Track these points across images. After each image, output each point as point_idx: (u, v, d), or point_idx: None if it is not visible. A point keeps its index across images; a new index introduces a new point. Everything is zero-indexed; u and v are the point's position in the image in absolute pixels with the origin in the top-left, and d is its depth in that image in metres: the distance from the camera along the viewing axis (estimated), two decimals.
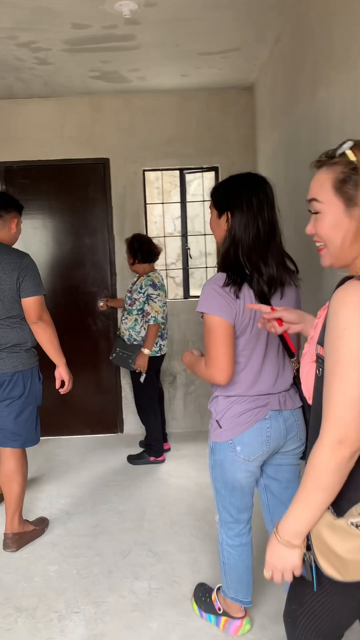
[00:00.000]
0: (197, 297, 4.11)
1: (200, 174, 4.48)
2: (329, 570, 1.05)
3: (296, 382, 1.85)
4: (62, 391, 2.81)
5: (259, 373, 1.79)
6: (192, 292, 4.49)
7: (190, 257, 4.40)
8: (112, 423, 4.42)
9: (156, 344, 3.66)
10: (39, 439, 2.82)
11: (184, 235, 4.43)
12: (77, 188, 4.24)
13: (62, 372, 2.77)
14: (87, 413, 4.40)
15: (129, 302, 3.70)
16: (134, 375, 3.74)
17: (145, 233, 4.28)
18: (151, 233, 4.59)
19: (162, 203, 4.48)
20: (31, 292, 2.61)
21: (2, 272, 2.57)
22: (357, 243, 1.09)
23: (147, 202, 4.37)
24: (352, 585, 1.07)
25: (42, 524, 2.93)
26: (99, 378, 4.38)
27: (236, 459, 1.80)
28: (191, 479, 3.52)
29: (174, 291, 5.72)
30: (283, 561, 1.12)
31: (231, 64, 3.54)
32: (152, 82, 3.89)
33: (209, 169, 4.31)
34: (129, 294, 3.72)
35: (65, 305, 4.29)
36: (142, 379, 3.63)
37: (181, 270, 4.56)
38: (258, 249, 1.72)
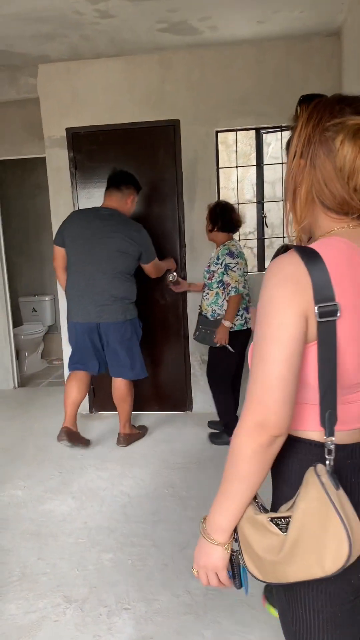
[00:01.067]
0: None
1: (279, 133, 4.08)
2: (251, 567, 0.96)
3: None
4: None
5: None
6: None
7: (266, 226, 4.06)
8: (181, 401, 4.25)
9: (240, 316, 3.41)
10: (146, 373, 3.65)
11: (260, 202, 4.08)
12: (145, 153, 4.00)
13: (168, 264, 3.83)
14: (156, 389, 4.26)
15: (207, 275, 3.49)
16: (212, 351, 3.53)
17: (217, 199, 3.98)
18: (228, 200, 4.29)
19: (237, 167, 4.14)
20: (149, 259, 3.48)
21: (120, 237, 3.29)
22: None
23: (220, 166, 4.05)
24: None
25: (144, 429, 3.86)
26: (168, 354, 4.20)
27: None
28: None
29: (251, 263, 5.40)
30: (206, 558, 1.02)
31: (315, 3, 3.11)
32: (224, 33, 3.53)
33: (288, 128, 3.90)
34: (206, 268, 3.52)
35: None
36: (230, 349, 3.41)
37: (257, 241, 4.25)
38: None
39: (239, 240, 4.29)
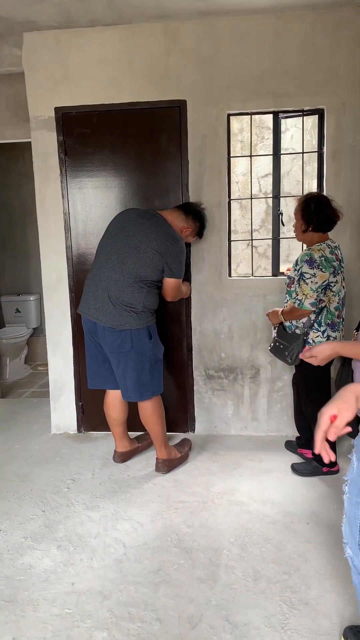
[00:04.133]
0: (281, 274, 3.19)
1: (299, 118, 3.59)
2: None
3: None
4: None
5: None
6: (284, 269, 3.67)
7: (283, 224, 3.56)
8: (182, 421, 3.76)
9: (322, 332, 2.90)
10: (145, 398, 3.10)
11: (276, 196, 3.58)
12: (146, 138, 3.48)
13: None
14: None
15: (287, 281, 3.01)
16: (300, 372, 3.07)
17: (228, 193, 3.48)
18: (233, 195, 3.78)
19: (250, 156, 3.63)
20: (171, 275, 2.98)
21: (149, 238, 2.88)
22: None
23: (231, 155, 3.55)
24: None
25: (186, 447, 3.39)
26: (168, 368, 3.70)
27: None
28: (277, 505, 2.81)
29: (256, 263, 4.91)
30: None
31: None
32: None
33: (311, 112, 3.41)
34: (288, 272, 3.06)
35: None
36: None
37: (266, 240, 3.74)
38: None
39: (250, 238, 3.79)
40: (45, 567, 2.36)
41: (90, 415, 3.81)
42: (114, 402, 3.23)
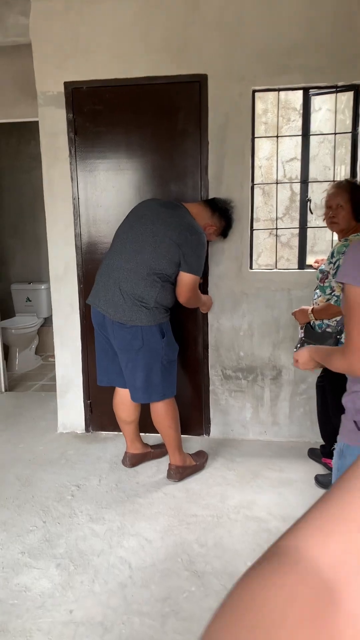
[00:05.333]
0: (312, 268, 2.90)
1: (329, 98, 3.26)
2: None
3: None
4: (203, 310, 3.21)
5: None
6: (310, 261, 3.36)
7: (311, 212, 3.26)
8: (196, 423, 3.50)
9: None
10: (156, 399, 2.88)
11: (305, 181, 3.28)
12: (163, 116, 3.20)
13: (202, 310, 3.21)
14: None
15: (319, 275, 2.73)
16: (328, 374, 2.74)
17: (251, 177, 3.19)
18: (255, 180, 3.47)
19: (277, 136, 3.32)
20: (187, 269, 2.68)
21: (169, 229, 2.64)
22: None
23: (256, 135, 3.25)
24: None
25: (202, 458, 3.10)
26: (184, 367, 3.44)
27: None
28: None
29: (279, 254, 4.60)
30: None
31: None
32: None
33: (345, 88, 3.09)
34: (322, 265, 2.77)
35: None
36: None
37: (289, 229, 3.44)
38: None
39: (275, 227, 3.50)
40: (42, 590, 2.14)
41: (99, 414, 3.57)
42: (123, 401, 2.99)
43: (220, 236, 3.02)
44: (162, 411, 2.89)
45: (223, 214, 2.92)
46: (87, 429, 3.61)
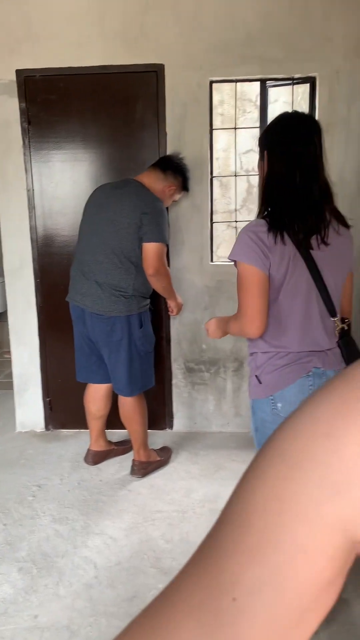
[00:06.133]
0: None
1: (285, 90, 3.27)
2: None
3: (341, 342, 1.71)
4: (172, 314, 3.07)
5: (300, 328, 1.67)
6: None
7: None
8: (159, 416, 3.47)
9: None
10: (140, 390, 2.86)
11: None
12: (119, 106, 3.13)
13: (170, 304, 2.99)
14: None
15: None
16: None
17: (210, 170, 3.16)
18: (213, 172, 3.45)
19: (235, 128, 3.31)
20: (150, 237, 2.56)
21: (126, 207, 2.56)
22: None
23: (214, 127, 3.22)
24: None
25: (166, 454, 3.09)
26: None
27: (276, 418, 1.68)
28: None
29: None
30: None
31: None
32: None
33: (301, 81, 3.10)
34: None
35: None
36: None
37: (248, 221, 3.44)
38: (293, 195, 1.59)
39: (235, 220, 3.48)
40: (4, 596, 2.07)
41: (59, 412, 3.50)
42: (95, 395, 2.94)
43: (184, 191, 2.92)
44: (132, 406, 2.84)
45: (176, 170, 2.79)
46: (47, 428, 3.52)
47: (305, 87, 3.14)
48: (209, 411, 3.45)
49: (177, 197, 2.90)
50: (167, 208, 2.82)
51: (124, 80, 3.09)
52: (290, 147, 1.60)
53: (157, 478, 2.92)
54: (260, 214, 1.67)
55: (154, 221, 2.57)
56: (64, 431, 3.51)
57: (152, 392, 3.40)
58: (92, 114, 3.14)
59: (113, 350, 2.70)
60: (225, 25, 2.98)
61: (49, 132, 3.17)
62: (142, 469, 2.92)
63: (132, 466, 2.93)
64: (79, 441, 3.35)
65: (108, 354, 2.73)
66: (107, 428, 3.12)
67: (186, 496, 2.74)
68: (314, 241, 1.61)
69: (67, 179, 3.22)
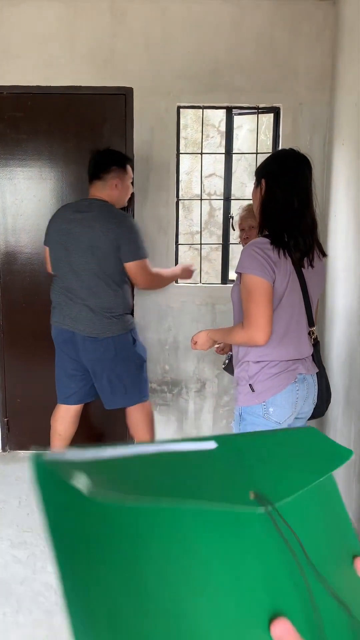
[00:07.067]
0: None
1: (248, 118, 3.37)
2: None
3: (314, 349, 1.92)
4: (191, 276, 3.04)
5: (294, 338, 1.84)
6: (233, 276, 3.43)
7: (233, 229, 3.32)
8: (120, 437, 3.43)
9: None
10: (142, 400, 2.85)
11: (227, 198, 3.35)
12: (87, 128, 3.15)
13: (184, 277, 2.97)
14: (89, 423, 3.42)
15: None
16: None
17: (176, 193, 3.21)
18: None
19: (201, 153, 3.37)
20: (130, 257, 2.59)
21: (97, 230, 2.54)
22: None
23: (181, 151, 3.28)
24: None
25: None
26: None
27: (268, 422, 1.83)
28: None
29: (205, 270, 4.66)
30: None
31: None
32: None
33: (266, 110, 3.20)
34: None
35: None
36: None
37: (215, 246, 3.50)
38: (292, 218, 1.79)
39: (200, 242, 3.54)
40: None
41: (17, 433, 3.42)
42: (65, 415, 2.89)
43: (124, 175, 2.70)
44: (141, 415, 2.86)
45: (106, 166, 2.64)
46: (3, 449, 3.44)
47: (270, 117, 3.25)
48: (171, 433, 3.44)
49: (127, 180, 2.71)
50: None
51: (93, 102, 3.12)
52: (289, 177, 1.80)
53: None
54: (260, 235, 1.86)
55: (130, 240, 2.57)
56: (22, 452, 3.43)
57: (114, 414, 3.38)
58: (59, 134, 3.15)
59: (106, 367, 2.69)
60: (194, 55, 3.06)
61: (14, 150, 3.15)
62: None
63: None
64: None
65: (100, 372, 2.71)
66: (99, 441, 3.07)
67: None
68: (304, 261, 1.83)
69: (32, 197, 3.20)
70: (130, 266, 2.59)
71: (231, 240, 3.41)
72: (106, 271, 2.58)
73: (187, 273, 2.96)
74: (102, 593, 0.32)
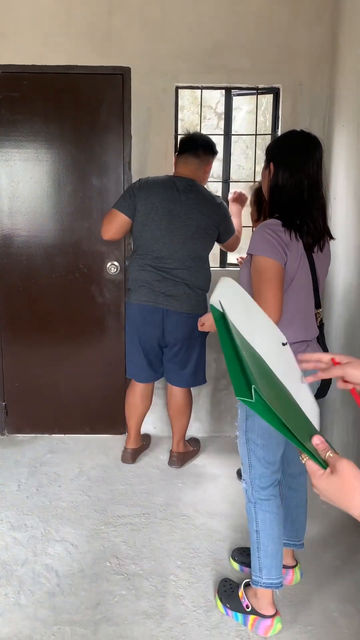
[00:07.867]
0: (236, 265, 3.00)
1: (254, 96, 3.31)
2: None
3: (320, 330, 1.94)
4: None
5: (302, 320, 1.85)
6: (232, 259, 3.42)
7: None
8: (119, 421, 3.44)
9: None
10: (205, 380, 3.10)
11: (226, 181, 3.32)
12: (84, 107, 3.10)
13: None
14: (87, 406, 3.42)
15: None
16: None
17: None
18: None
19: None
20: (230, 234, 2.92)
21: (202, 215, 2.73)
22: None
23: (179, 132, 3.24)
24: None
25: (197, 444, 3.30)
26: (104, 364, 3.37)
27: None
28: (227, 518, 2.58)
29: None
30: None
31: None
32: None
33: (265, 91, 3.16)
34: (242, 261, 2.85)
35: (64, 267, 3.24)
36: None
37: None
38: (301, 203, 1.77)
39: None
40: None
41: (15, 416, 3.41)
42: (144, 393, 3.05)
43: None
44: (188, 398, 3.04)
45: (205, 147, 2.78)
46: (2, 432, 3.43)
47: (269, 97, 3.21)
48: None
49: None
50: None
51: (90, 82, 3.07)
52: (298, 159, 1.76)
53: (117, 484, 2.89)
54: (270, 217, 1.82)
55: (228, 219, 2.86)
56: (20, 436, 3.43)
57: (113, 396, 3.39)
58: (56, 114, 3.10)
59: (191, 345, 2.88)
60: (192, 33, 3.01)
61: (10, 130, 3.10)
62: (181, 459, 3.08)
63: (171, 457, 3.09)
64: (35, 446, 3.29)
65: (184, 350, 2.87)
66: (94, 433, 3.39)
67: (147, 501, 2.73)
68: (316, 244, 1.82)
69: (28, 179, 3.16)
70: (230, 242, 2.94)
71: None
72: (205, 250, 2.82)
73: (238, 202, 3.09)
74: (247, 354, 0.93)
